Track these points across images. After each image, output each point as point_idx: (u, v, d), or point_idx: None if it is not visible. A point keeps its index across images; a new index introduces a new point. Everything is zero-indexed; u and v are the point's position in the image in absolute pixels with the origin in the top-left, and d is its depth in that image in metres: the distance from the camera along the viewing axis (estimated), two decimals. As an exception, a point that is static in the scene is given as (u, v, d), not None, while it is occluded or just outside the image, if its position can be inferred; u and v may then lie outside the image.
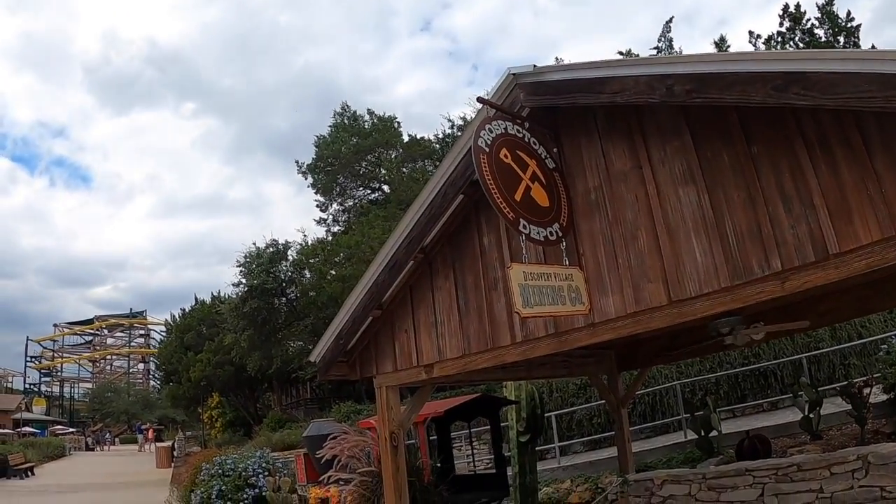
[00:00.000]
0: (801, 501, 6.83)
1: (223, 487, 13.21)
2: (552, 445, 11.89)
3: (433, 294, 5.22)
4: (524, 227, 4.03)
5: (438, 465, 7.30)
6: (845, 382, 10.02)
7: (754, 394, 12.63)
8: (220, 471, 13.61)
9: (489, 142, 4.18)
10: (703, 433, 9.40)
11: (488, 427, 11.12)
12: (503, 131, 4.37)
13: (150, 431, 45.55)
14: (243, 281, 23.94)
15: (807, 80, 3.17)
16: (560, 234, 4.34)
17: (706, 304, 4.05)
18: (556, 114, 4.82)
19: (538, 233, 4.14)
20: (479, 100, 4.53)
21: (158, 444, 33.33)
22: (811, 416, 9.36)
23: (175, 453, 29.45)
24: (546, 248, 4.33)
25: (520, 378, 7.17)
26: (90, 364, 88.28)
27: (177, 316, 36.48)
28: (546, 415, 9.74)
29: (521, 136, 4.50)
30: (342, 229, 26.45)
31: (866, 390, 9.22)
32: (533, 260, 4.44)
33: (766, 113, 3.66)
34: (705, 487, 7.43)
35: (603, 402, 12.97)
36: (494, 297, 4.79)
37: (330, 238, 25.96)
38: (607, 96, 4.14)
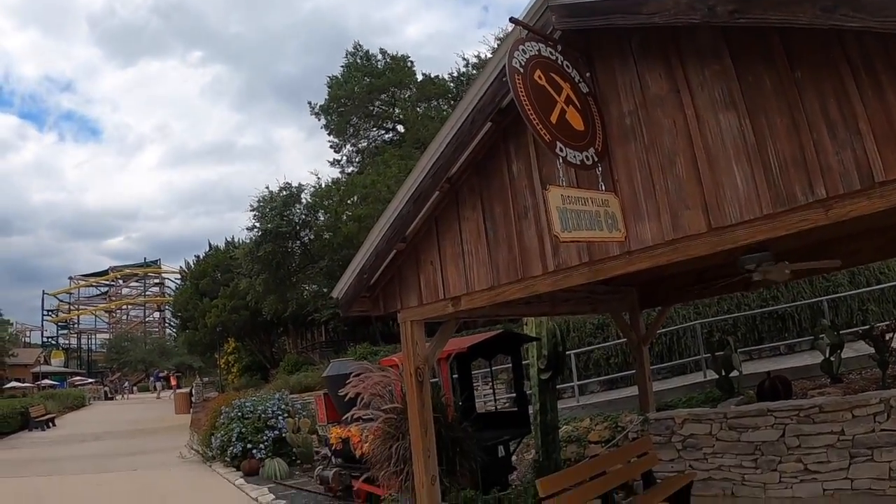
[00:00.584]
0: (822, 443, 6.88)
1: (243, 430, 13.45)
2: (570, 384, 11.94)
3: (460, 225, 5.08)
4: (561, 149, 3.86)
5: (460, 403, 7.29)
6: (866, 327, 9.96)
7: (771, 336, 12.59)
8: (239, 414, 13.84)
9: (523, 63, 3.97)
10: (723, 373, 9.36)
11: (507, 366, 11.18)
12: (536, 53, 4.15)
13: (173, 378, 46.43)
14: (257, 225, 23.87)
15: (856, 0, 2.97)
16: (595, 158, 4.18)
17: (747, 232, 3.90)
18: (589, 37, 4.56)
19: (574, 156, 3.98)
20: (512, 20, 4.32)
21: (177, 391, 33.97)
22: (832, 358, 9.29)
23: (193, 399, 30.04)
24: (582, 172, 4.16)
25: (543, 314, 7.08)
26: (106, 315, 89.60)
27: (191, 263, 36.65)
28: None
29: (554, 58, 4.28)
30: (356, 170, 26.19)
31: (888, 335, 9.14)
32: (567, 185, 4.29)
33: (810, 36, 3.44)
34: (726, 427, 7.46)
35: (620, 341, 13.14)
36: (524, 226, 4.64)
37: (344, 179, 25.71)
38: (645, 17, 3.89)
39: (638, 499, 6.52)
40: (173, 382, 44.84)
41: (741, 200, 3.84)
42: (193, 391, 31.73)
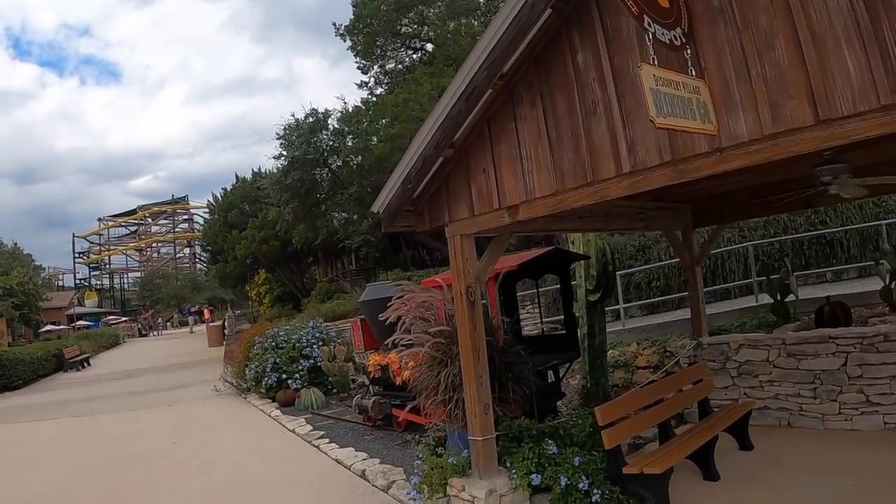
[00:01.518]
0: (885, 374, 6.48)
1: (277, 360, 13.32)
2: (616, 307, 11.50)
3: (516, 125, 4.51)
4: (649, 24, 3.27)
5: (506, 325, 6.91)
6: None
7: (818, 262, 11.97)
8: (273, 344, 13.68)
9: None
10: (778, 297, 8.83)
11: (549, 287, 10.72)
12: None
13: (208, 313, 47.28)
14: (284, 153, 23.33)
15: None
16: (683, 39, 3.56)
17: (860, 125, 3.32)
18: None
19: (663, 34, 3.38)
20: None
21: (211, 324, 34.45)
22: (893, 285, 8.67)
23: (226, 332, 30.41)
24: (669, 54, 3.54)
25: (596, 229, 6.58)
26: (137, 253, 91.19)
27: (219, 196, 36.52)
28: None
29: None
30: (385, 91, 25.32)
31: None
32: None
33: None
34: (784, 353, 7.09)
35: (662, 264, 12.69)
36: (593, 124, 4.07)
37: (373, 100, 24.89)
38: None
39: (697, 428, 6.13)
40: (207, 316, 45.63)
41: (854, 88, 3.24)
42: (226, 324, 32.13)
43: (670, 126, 3.20)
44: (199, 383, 17.87)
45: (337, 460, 8.07)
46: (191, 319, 49.01)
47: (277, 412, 12.01)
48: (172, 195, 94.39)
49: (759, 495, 5.31)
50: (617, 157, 3.94)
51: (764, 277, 9.50)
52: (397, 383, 8.75)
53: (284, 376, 13.04)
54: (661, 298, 12.74)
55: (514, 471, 5.05)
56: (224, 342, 27.48)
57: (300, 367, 13.08)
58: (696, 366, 7.35)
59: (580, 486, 5.14)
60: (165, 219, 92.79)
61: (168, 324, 56.50)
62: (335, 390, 13.06)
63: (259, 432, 10.61)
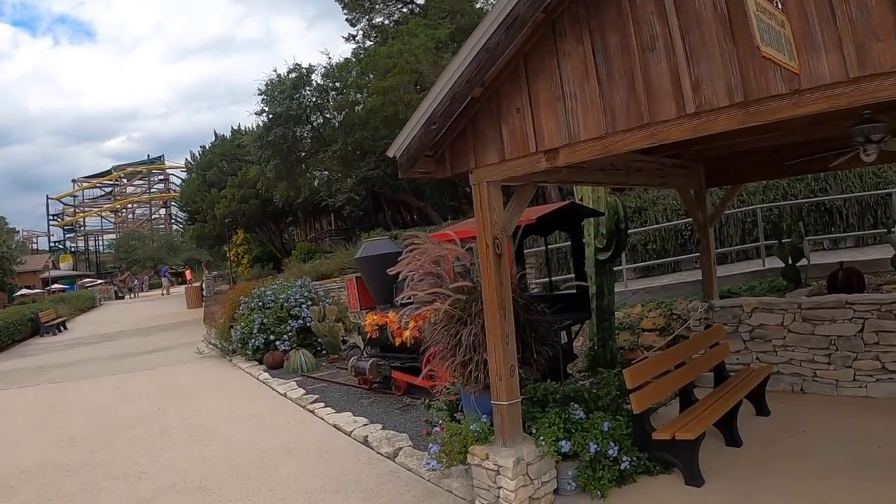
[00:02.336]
0: None
1: (264, 321, 12.80)
2: (620, 268, 11.22)
3: (558, 62, 4.04)
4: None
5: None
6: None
7: (816, 230, 11.84)
8: (260, 303, 13.14)
9: None
10: (790, 262, 8.60)
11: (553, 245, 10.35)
12: None
13: (189, 273, 46.32)
14: (266, 109, 22.54)
15: None
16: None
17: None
18: None
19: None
20: None
21: (190, 285, 33.76)
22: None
23: (204, 293, 29.83)
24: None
25: (617, 183, 6.19)
26: (112, 215, 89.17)
27: (197, 154, 35.45)
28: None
29: None
30: (375, 45, 24.40)
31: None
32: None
33: None
34: (800, 318, 6.90)
35: (660, 226, 12.45)
36: (651, 61, 3.63)
37: (364, 52, 23.98)
38: None
39: (720, 392, 5.87)
40: (188, 276, 44.70)
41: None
42: (204, 285, 31.52)
43: (772, 57, 2.84)
44: (180, 346, 17.35)
45: (335, 426, 7.70)
46: (165, 281, 47.89)
47: (266, 375, 11.58)
48: (148, 155, 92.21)
49: (786, 462, 5.12)
50: (679, 97, 3.53)
51: (774, 241, 9.30)
52: (397, 344, 8.39)
53: (272, 337, 12.59)
54: (657, 262, 12.52)
55: (541, 437, 4.73)
56: (203, 303, 26.89)
57: (288, 328, 12.62)
58: (712, 329, 7.09)
59: (609, 452, 4.88)
60: (141, 179, 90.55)
61: (145, 285, 55.28)
62: (324, 352, 12.69)
63: (249, 397, 10.15)
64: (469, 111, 4.52)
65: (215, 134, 34.71)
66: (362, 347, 9.51)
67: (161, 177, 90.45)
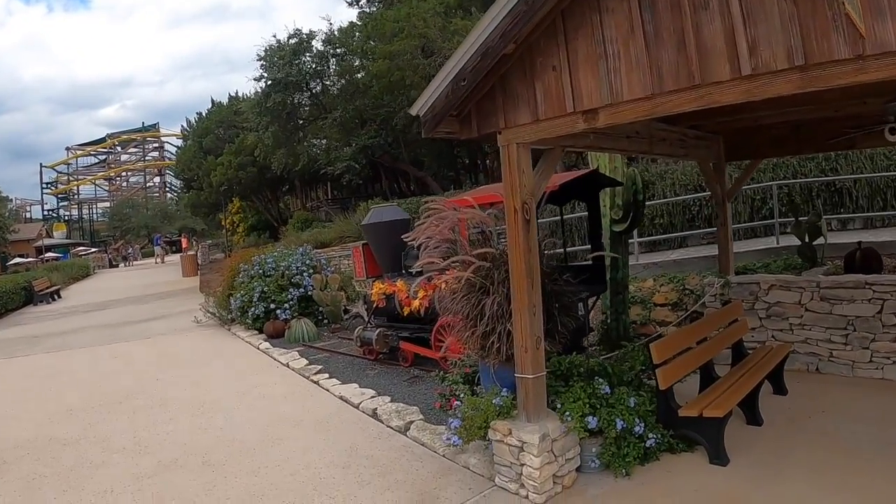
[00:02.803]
0: None
1: (265, 289, 12.55)
2: (632, 241, 11.02)
3: (601, 18, 3.76)
4: None
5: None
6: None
7: (825, 210, 11.66)
8: (260, 271, 12.89)
9: None
10: (807, 240, 8.42)
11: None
12: None
13: (185, 241, 45.87)
14: (265, 75, 22.00)
15: None
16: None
17: None
18: None
19: None
20: None
21: (185, 254, 33.44)
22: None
23: (199, 262, 29.57)
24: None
25: (642, 152, 5.96)
26: (106, 183, 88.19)
27: (193, 120, 34.79)
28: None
29: None
30: (380, 9, 23.79)
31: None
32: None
33: None
34: (818, 297, 6.79)
35: (667, 201, 12.22)
36: (704, 19, 3.37)
37: (369, 15, 23.34)
38: None
39: (742, 370, 5.72)
40: (184, 244, 44.26)
41: None
42: (199, 253, 31.22)
43: (851, 15, 2.61)
44: (176, 314, 17.12)
45: (342, 398, 7.51)
46: (158, 249, 47.35)
47: (266, 344, 11.38)
48: (143, 123, 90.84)
49: (808, 441, 5.02)
50: (734, 58, 3.28)
51: (791, 219, 9.12)
52: (405, 314, 8.19)
53: (273, 306, 12.37)
54: (664, 236, 12.33)
55: (566, 413, 4.54)
56: (198, 272, 26.63)
57: (290, 297, 12.40)
58: (731, 305, 6.92)
59: (636, 429, 4.73)
60: (135, 147, 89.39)
61: (140, 254, 54.75)
62: (325, 321, 12.49)
63: (250, 367, 9.94)
64: (499, 69, 4.25)
65: (212, 101, 34.15)
66: (367, 317, 9.29)
67: (156, 144, 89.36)
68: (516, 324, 4.43)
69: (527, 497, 4.43)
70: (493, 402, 4.58)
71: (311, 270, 12.80)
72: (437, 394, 6.00)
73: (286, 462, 5.68)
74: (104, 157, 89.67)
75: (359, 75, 21.59)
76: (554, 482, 4.47)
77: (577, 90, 3.92)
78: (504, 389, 4.80)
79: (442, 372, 6.08)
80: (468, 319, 4.83)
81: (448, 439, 4.75)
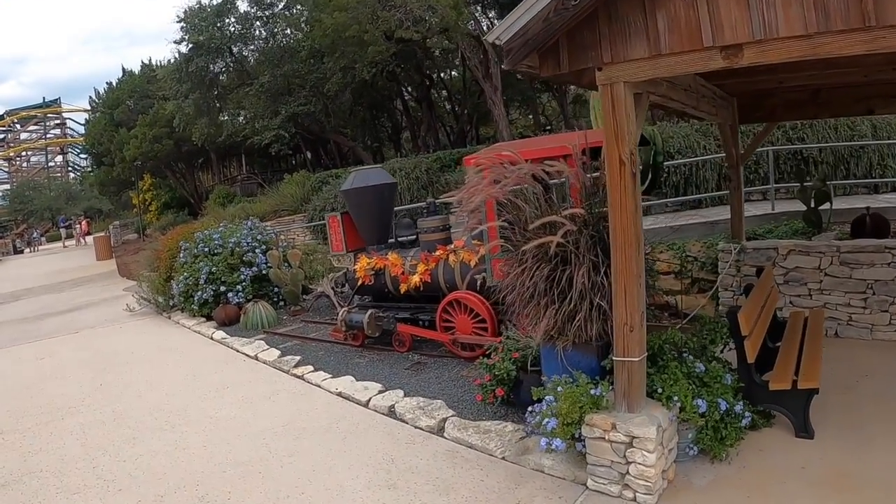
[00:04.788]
0: None
1: (213, 269, 11.18)
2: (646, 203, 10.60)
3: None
4: None
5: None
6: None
7: (789, 177, 11.77)
8: (205, 249, 11.49)
9: None
10: (812, 205, 8.25)
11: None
12: None
13: (85, 224, 42.22)
14: (185, 37, 20.01)
15: None
16: None
17: None
18: None
19: None
20: None
21: (96, 236, 30.70)
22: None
23: (112, 243, 27.30)
24: None
25: (692, 107, 5.37)
26: (5, 164, 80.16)
27: (101, 91, 31.60)
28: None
29: None
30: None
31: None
32: None
33: None
34: (837, 262, 6.70)
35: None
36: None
37: None
38: None
39: (795, 339, 5.40)
40: (84, 227, 40.67)
41: None
42: (111, 235, 28.74)
43: None
44: (102, 302, 15.28)
45: (340, 394, 6.48)
46: (63, 232, 43.37)
47: (221, 333, 10.09)
48: (43, 98, 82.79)
49: (875, 406, 4.78)
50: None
51: (786, 184, 8.98)
52: (402, 292, 7.33)
53: (223, 289, 10.98)
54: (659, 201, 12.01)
55: (673, 397, 3.92)
56: (113, 255, 24.37)
57: (242, 277, 11.09)
58: (766, 273, 6.55)
59: (736, 408, 4.25)
60: (36, 124, 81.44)
61: (44, 238, 49.87)
62: (282, 303, 11.33)
63: (211, 362, 8.64)
64: (601, -8, 3.47)
65: (123, 69, 31.06)
66: (350, 296, 8.33)
67: (57, 121, 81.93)
68: (618, 298, 3.73)
69: (634, 499, 3.78)
70: (591, 392, 3.87)
71: (263, 246, 11.55)
72: (476, 385, 5.25)
73: (310, 487, 4.55)
74: (2, 136, 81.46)
75: (294, 31, 19.99)
76: (661, 478, 3.84)
77: (717, 20, 3.21)
78: (586, 376, 4.13)
79: (483, 359, 5.28)
80: (542, 296, 4.07)
81: (548, 444, 3.94)
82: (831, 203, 8.26)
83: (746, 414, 4.34)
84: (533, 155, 4.70)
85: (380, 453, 4.97)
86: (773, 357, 5.02)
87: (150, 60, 29.07)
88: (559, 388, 3.93)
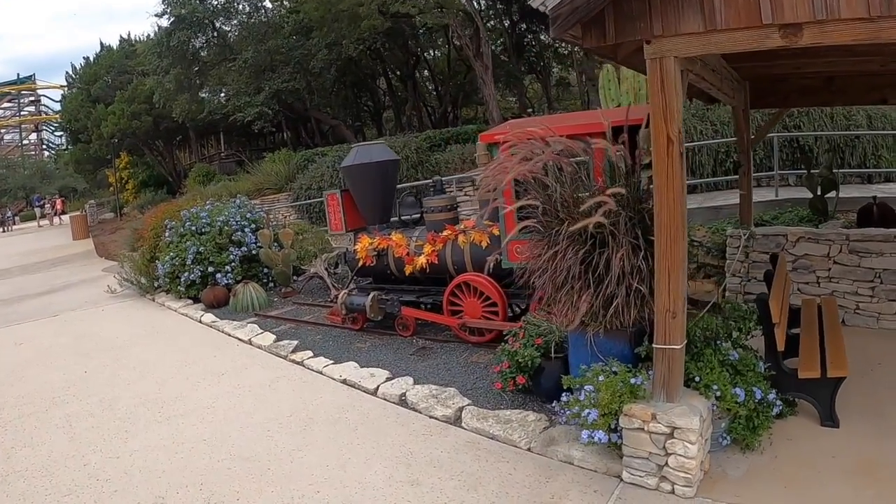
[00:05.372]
0: None
1: (201, 249, 10.82)
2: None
3: None
4: None
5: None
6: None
7: (784, 165, 11.78)
8: (192, 228, 11.12)
9: None
10: (818, 192, 8.21)
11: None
12: None
13: (60, 202, 41.08)
14: (167, 10, 19.36)
15: None
16: None
17: None
18: None
19: None
20: None
21: (73, 215, 29.84)
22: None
23: (88, 223, 26.62)
24: None
25: (717, 88, 5.24)
26: (-21, 142, 77.49)
27: (78, 66, 30.57)
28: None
29: None
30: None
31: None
32: None
33: None
34: (846, 250, 6.67)
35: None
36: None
37: None
38: None
39: (813, 327, 5.34)
40: (59, 206, 39.58)
41: None
42: (88, 214, 28.00)
43: None
44: (81, 283, 14.73)
45: (345, 382, 6.19)
46: (38, 212, 42.09)
47: (210, 316, 9.73)
48: (18, 74, 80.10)
49: (891, 393, 4.76)
50: None
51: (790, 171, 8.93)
52: (407, 273, 7.09)
53: (211, 269, 10.65)
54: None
55: (713, 386, 3.78)
56: (90, 234, 23.71)
57: (231, 258, 10.75)
58: (781, 260, 6.48)
59: (770, 397, 4.15)
60: (10, 101, 78.74)
61: (17, 217, 48.36)
62: (272, 284, 11.04)
63: (202, 346, 8.28)
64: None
65: (101, 44, 30.07)
66: (349, 278, 8.07)
67: (32, 98, 79.33)
68: (661, 282, 3.56)
69: (672, 492, 3.65)
70: (631, 381, 3.71)
71: (252, 225, 11.21)
72: (495, 372, 5.07)
73: (326, 485, 4.23)
74: (-25, 113, 78.65)
75: (278, 5, 19.49)
76: (699, 469, 3.71)
77: (776, -4, 3.04)
78: (621, 364, 3.99)
79: (504, 345, 5.09)
80: (577, 279, 3.90)
81: (590, 436, 3.76)
82: (838, 191, 8.24)
83: (777, 403, 4.24)
84: (564, 132, 4.48)
85: (396, 446, 4.71)
86: (791, 345, 4.96)
87: (128, 35, 28.27)
88: (600, 378, 3.76)
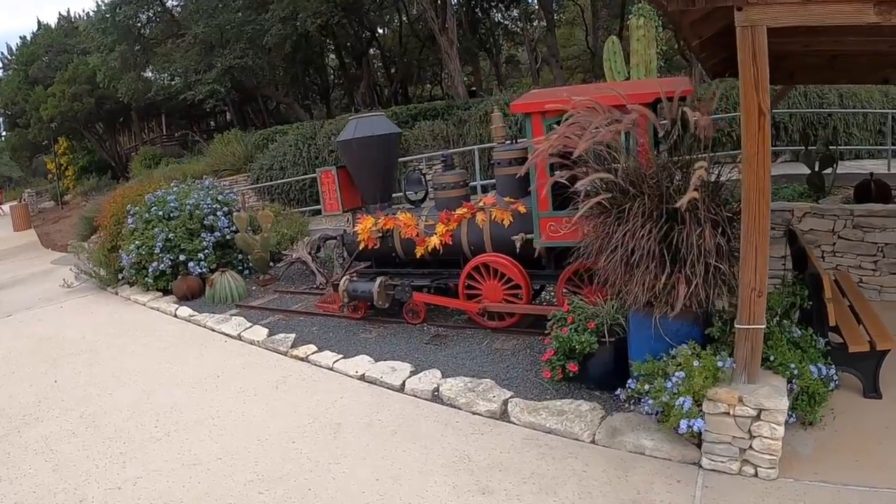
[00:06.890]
0: None
1: (170, 235, 10.08)
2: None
3: None
4: None
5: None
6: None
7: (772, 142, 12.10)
8: (159, 213, 10.37)
9: None
10: (816, 168, 8.34)
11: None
12: None
13: None
14: (113, -15, 18.24)
15: None
16: None
17: None
18: None
19: None
20: None
21: (12, 205, 27.97)
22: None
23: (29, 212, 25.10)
24: None
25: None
26: None
27: (13, 47, 28.62)
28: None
29: None
30: None
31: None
32: None
33: None
34: (851, 225, 6.89)
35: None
36: None
37: None
38: None
39: (839, 301, 5.32)
40: None
41: None
42: (27, 203, 26.38)
43: None
44: (30, 278, 13.56)
45: (363, 378, 5.70)
46: None
47: (187, 310, 8.95)
48: None
49: None
50: None
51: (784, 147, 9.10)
52: (417, 256, 6.73)
53: (182, 258, 9.85)
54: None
55: (790, 365, 3.70)
56: (31, 224, 22.29)
57: (204, 244, 10.04)
58: (801, 236, 6.58)
59: (831, 372, 4.16)
60: None
61: None
62: (248, 272, 10.45)
63: (185, 345, 7.51)
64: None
65: (38, 23, 28.23)
66: (348, 263, 7.65)
67: None
68: (747, 259, 3.42)
69: (756, 475, 3.56)
70: (719, 364, 3.57)
71: (225, 208, 10.58)
72: (543, 361, 4.85)
73: (382, 502, 3.76)
74: None
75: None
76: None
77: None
78: (683, 346, 3.85)
79: (555, 328, 4.84)
80: (652, 258, 3.72)
81: (688, 426, 3.57)
82: (835, 167, 8.40)
83: (834, 378, 4.23)
84: (615, 101, 4.26)
85: (449, 449, 4.28)
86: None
87: (68, 13, 26.69)
88: (695, 363, 3.59)
